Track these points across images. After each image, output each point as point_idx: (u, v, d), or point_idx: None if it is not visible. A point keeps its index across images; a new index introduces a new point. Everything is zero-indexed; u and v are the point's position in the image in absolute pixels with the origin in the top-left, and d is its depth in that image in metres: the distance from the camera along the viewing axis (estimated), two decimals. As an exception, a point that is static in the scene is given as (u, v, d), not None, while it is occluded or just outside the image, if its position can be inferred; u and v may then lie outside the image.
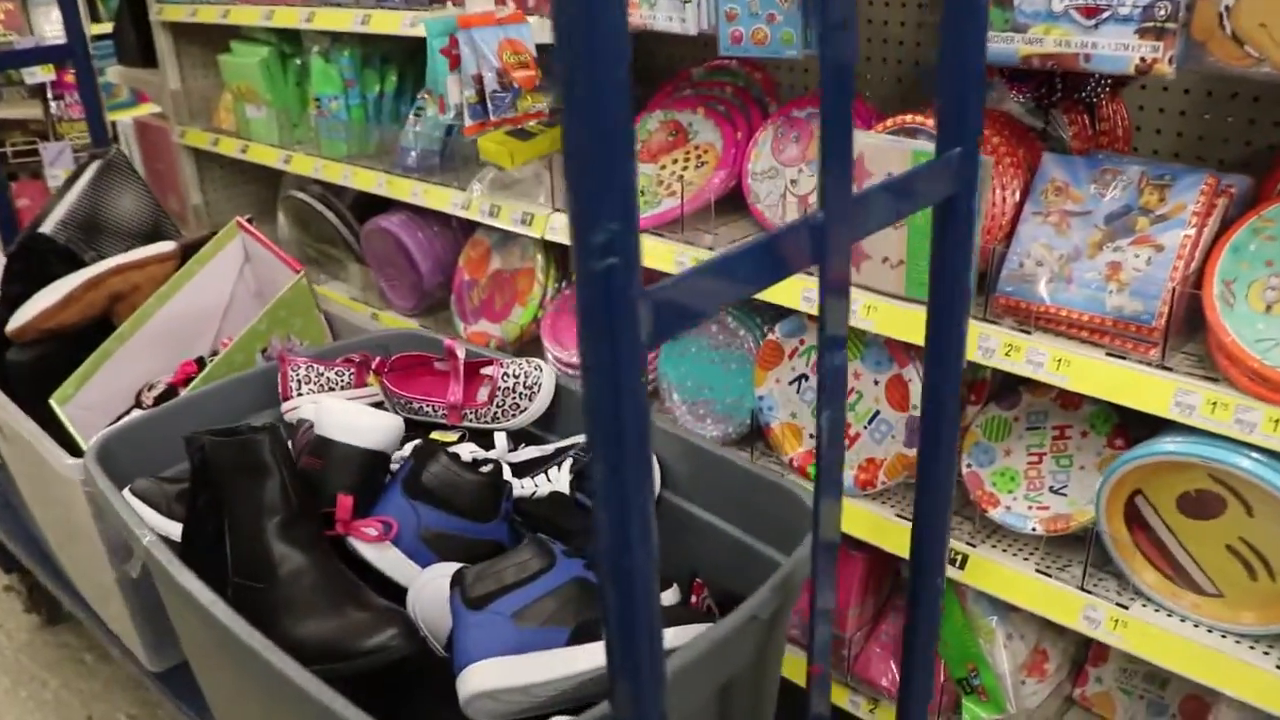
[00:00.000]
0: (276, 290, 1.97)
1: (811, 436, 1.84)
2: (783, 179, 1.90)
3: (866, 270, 1.63)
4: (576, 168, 0.66)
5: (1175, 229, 1.40)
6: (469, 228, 2.51)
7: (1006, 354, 1.50)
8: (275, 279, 1.96)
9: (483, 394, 1.55)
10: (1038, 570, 1.60)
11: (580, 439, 1.48)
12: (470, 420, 1.53)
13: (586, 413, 0.72)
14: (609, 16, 0.62)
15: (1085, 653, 1.83)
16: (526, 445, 1.55)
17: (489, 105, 1.82)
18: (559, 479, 1.42)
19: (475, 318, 2.45)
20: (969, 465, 1.69)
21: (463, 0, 1.97)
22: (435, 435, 1.51)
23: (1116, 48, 1.32)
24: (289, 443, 1.37)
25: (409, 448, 1.39)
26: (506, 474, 1.37)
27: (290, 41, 2.70)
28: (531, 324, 2.29)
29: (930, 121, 1.58)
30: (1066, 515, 1.59)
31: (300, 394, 1.54)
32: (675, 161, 2.02)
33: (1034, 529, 1.60)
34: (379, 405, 1.62)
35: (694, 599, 1.29)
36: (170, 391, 1.80)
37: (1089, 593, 1.54)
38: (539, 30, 1.91)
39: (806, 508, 1.26)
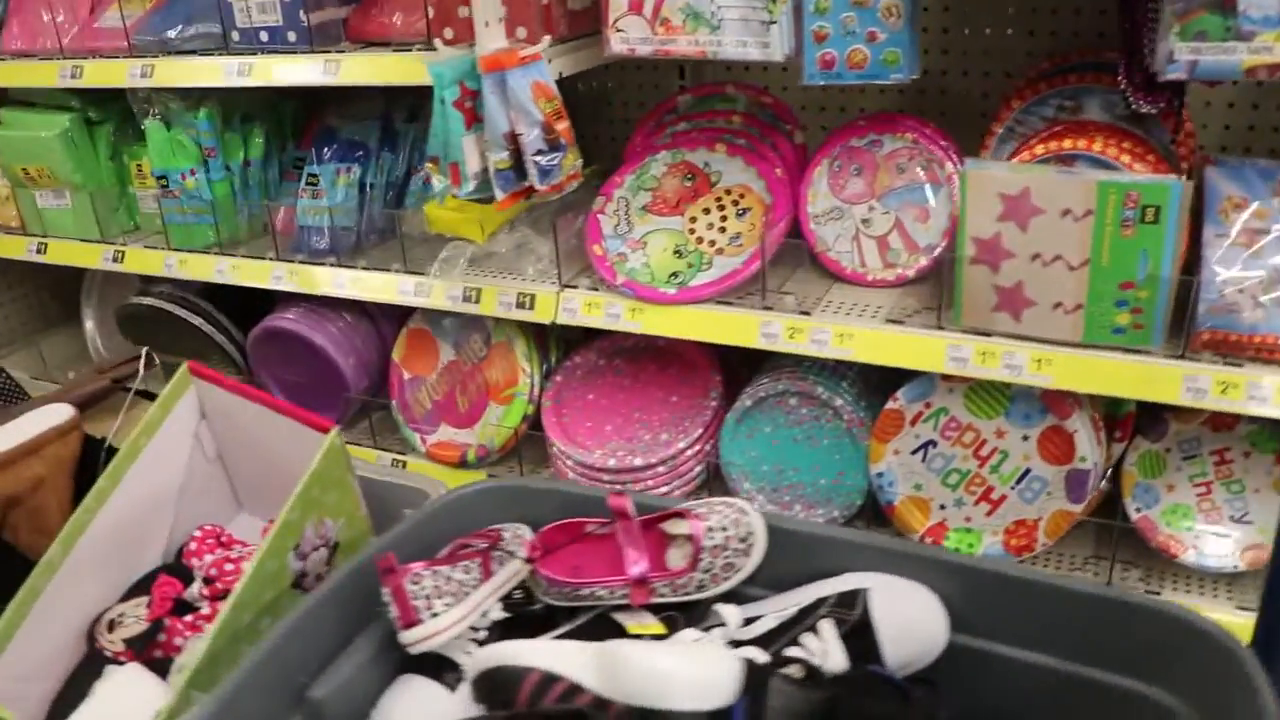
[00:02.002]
0: (246, 447, 1.46)
1: (942, 508, 1.61)
2: (851, 219, 1.65)
3: (1030, 318, 1.43)
4: None
5: (1391, 237, 1.31)
6: (391, 313, 2.04)
7: (1222, 392, 1.35)
8: (241, 432, 1.43)
9: (676, 558, 1.17)
10: (1239, 608, 1.49)
11: (823, 589, 1.15)
12: (664, 594, 1.15)
13: None
14: None
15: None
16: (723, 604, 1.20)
17: (533, 170, 1.41)
18: (827, 650, 1.09)
19: (432, 425, 1.99)
20: (1137, 510, 1.54)
21: (446, 36, 1.53)
22: (633, 628, 1.12)
23: (1367, 50, 1.19)
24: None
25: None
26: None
27: (96, 105, 2.06)
28: (522, 424, 1.88)
29: (1096, 145, 1.39)
30: (1260, 545, 1.49)
31: (435, 613, 1.07)
32: (707, 211, 1.71)
33: (1237, 566, 1.49)
34: (513, 597, 1.19)
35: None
36: (155, 628, 1.26)
37: (1299, 626, 1.45)
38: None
39: (1185, 622, 1.04)
